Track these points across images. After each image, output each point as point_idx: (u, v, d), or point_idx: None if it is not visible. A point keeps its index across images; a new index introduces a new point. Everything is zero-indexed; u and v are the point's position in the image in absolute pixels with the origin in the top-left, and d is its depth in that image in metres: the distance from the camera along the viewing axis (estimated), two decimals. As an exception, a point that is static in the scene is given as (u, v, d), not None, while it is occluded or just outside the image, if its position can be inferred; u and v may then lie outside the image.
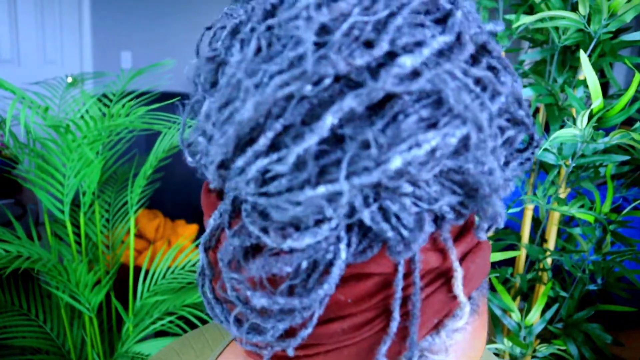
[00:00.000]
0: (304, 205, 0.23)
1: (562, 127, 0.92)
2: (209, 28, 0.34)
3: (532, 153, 0.32)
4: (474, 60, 0.27)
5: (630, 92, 0.74)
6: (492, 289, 0.95)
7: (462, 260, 0.30)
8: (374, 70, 0.23)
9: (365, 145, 0.23)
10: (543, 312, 0.97)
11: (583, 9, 0.80)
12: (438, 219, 0.28)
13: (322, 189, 0.23)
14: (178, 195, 2.34)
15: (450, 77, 0.24)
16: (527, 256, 1.04)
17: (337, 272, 0.26)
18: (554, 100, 0.92)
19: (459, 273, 0.29)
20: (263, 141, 0.23)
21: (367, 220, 0.25)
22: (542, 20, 0.83)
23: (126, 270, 1.47)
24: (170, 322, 1.32)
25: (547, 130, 1.04)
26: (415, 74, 0.23)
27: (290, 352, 0.29)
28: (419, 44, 0.24)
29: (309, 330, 0.28)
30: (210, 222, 0.31)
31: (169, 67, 1.38)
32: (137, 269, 1.60)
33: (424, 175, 0.24)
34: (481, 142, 0.25)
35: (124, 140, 1.46)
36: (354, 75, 0.23)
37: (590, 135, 0.78)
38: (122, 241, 1.54)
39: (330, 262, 0.26)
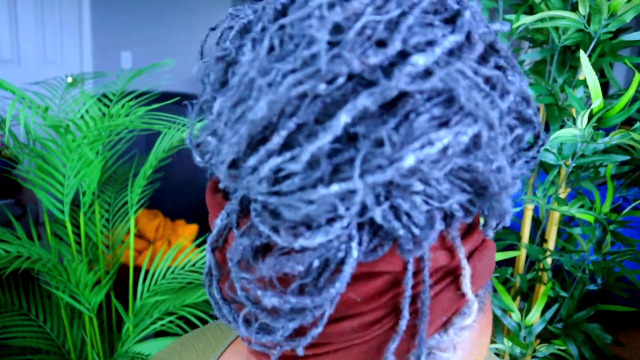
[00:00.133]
0: (317, 203, 0.23)
1: (562, 127, 0.92)
2: (213, 29, 0.34)
3: (538, 152, 0.32)
4: (483, 59, 0.27)
5: (630, 92, 0.74)
6: (492, 289, 0.95)
7: (469, 258, 0.30)
8: (387, 69, 0.23)
9: (379, 143, 0.23)
10: (543, 312, 0.97)
11: (583, 9, 0.80)
12: (447, 217, 0.28)
13: (335, 187, 0.23)
14: (178, 195, 2.34)
15: (461, 76, 0.24)
16: (527, 256, 1.04)
17: (348, 270, 0.26)
18: (554, 100, 0.92)
19: (467, 271, 0.30)
20: (276, 140, 0.23)
21: (379, 219, 0.25)
22: (542, 20, 0.83)
23: (126, 270, 1.47)
24: (170, 322, 1.32)
25: (547, 130, 1.04)
26: (427, 72, 0.24)
27: (300, 352, 0.29)
28: (431, 43, 0.24)
29: (320, 329, 0.28)
30: (217, 222, 0.30)
31: (169, 67, 1.38)
32: (137, 269, 1.60)
33: (435, 173, 0.24)
34: (492, 140, 0.26)
35: (124, 140, 1.46)
36: (367, 74, 0.23)
37: (590, 135, 0.78)
38: (122, 241, 1.54)
39: (342, 261, 0.26)
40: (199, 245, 1.91)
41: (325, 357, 0.30)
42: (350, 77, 0.23)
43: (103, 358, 1.43)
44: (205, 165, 0.32)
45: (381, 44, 0.24)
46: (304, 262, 0.25)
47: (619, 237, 0.90)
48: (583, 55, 0.76)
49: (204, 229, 2.29)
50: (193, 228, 2.16)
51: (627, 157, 0.80)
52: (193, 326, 1.31)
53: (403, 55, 0.24)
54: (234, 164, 0.26)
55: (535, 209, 1.08)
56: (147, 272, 1.45)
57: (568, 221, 1.06)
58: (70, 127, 1.13)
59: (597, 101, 0.76)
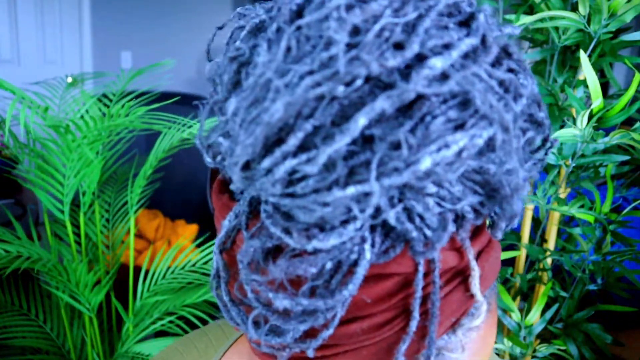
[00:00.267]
0: (332, 206, 0.23)
1: (562, 127, 0.92)
2: (220, 28, 0.34)
3: (545, 154, 0.32)
4: (496, 62, 0.27)
5: (630, 92, 0.74)
6: (492, 289, 0.95)
7: (477, 259, 0.30)
8: (404, 72, 0.23)
9: (395, 146, 0.23)
10: (543, 312, 0.97)
11: (583, 9, 0.80)
12: (458, 219, 0.28)
13: (351, 190, 0.23)
14: (178, 195, 2.34)
15: (477, 79, 0.25)
16: (527, 256, 1.04)
17: (361, 272, 0.26)
18: (554, 100, 0.92)
19: (476, 272, 0.30)
20: (293, 142, 0.23)
21: (392, 221, 0.25)
22: (542, 20, 0.83)
23: (126, 270, 1.47)
24: (170, 322, 1.32)
25: (547, 130, 1.04)
26: (444, 76, 0.24)
27: (311, 353, 0.29)
28: (447, 47, 0.24)
29: (331, 331, 0.28)
30: (225, 224, 0.30)
31: (169, 67, 1.38)
32: (137, 269, 1.60)
33: (449, 175, 0.24)
34: (506, 143, 0.26)
35: (124, 140, 1.46)
36: (384, 77, 0.23)
37: (590, 135, 0.78)
38: (122, 241, 1.54)
39: (355, 263, 0.26)
40: (199, 245, 1.91)
41: (334, 358, 0.30)
42: (368, 79, 0.23)
43: (103, 358, 1.43)
44: (217, 166, 0.32)
45: (398, 46, 0.24)
46: (317, 264, 0.25)
47: (619, 237, 0.90)
48: (583, 55, 0.76)
49: (204, 229, 2.29)
50: (193, 228, 2.16)
51: (627, 157, 0.80)
52: (193, 326, 1.31)
53: (420, 58, 0.24)
54: (247, 166, 0.26)
55: (535, 209, 1.08)
56: (147, 272, 1.45)
57: (568, 221, 1.06)
58: (70, 127, 1.13)
59: (597, 101, 0.76)
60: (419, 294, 0.28)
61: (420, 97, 0.24)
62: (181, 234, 2.10)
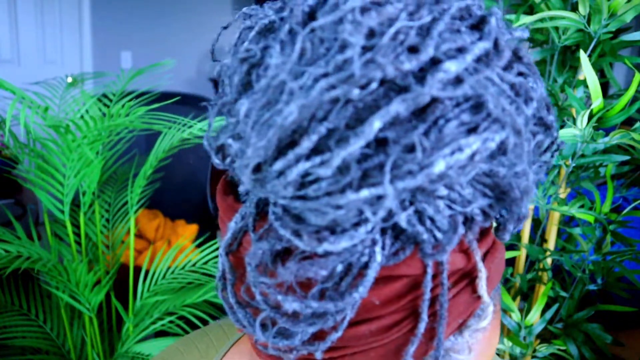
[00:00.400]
0: (345, 208, 0.23)
1: (562, 127, 0.92)
2: (225, 27, 0.34)
3: (552, 156, 0.32)
4: (507, 66, 0.28)
5: (630, 92, 0.74)
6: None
7: (483, 260, 0.30)
8: (418, 75, 0.23)
9: (409, 149, 0.23)
10: (543, 312, 0.97)
11: (583, 9, 0.80)
12: (467, 221, 0.28)
13: (365, 193, 0.23)
14: (178, 195, 2.34)
15: (490, 83, 0.25)
16: (527, 256, 1.04)
17: (372, 274, 0.26)
18: (554, 100, 0.92)
19: (483, 273, 0.30)
20: (306, 144, 0.23)
21: (403, 223, 0.25)
22: (542, 20, 0.83)
23: (126, 270, 1.47)
24: (171, 322, 1.32)
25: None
26: (458, 79, 0.24)
27: (319, 356, 0.29)
28: (461, 50, 0.24)
29: (339, 333, 0.28)
30: (232, 226, 0.30)
31: (169, 67, 1.38)
32: (137, 269, 1.60)
33: (462, 178, 0.24)
34: (517, 147, 0.26)
35: (124, 140, 1.46)
36: (399, 80, 0.23)
37: (590, 135, 0.78)
38: (122, 241, 1.54)
39: (365, 265, 0.26)
40: (199, 245, 1.91)
41: None
42: (382, 82, 0.23)
43: (103, 358, 1.43)
44: (225, 168, 0.32)
45: (413, 49, 0.23)
46: (328, 266, 0.25)
47: (619, 237, 0.90)
48: (583, 55, 0.76)
49: (204, 229, 2.29)
50: (193, 228, 2.16)
51: (627, 157, 0.80)
52: (193, 326, 1.31)
53: (434, 62, 0.24)
54: (257, 168, 0.25)
55: (535, 209, 1.08)
56: (147, 272, 1.45)
57: (568, 221, 1.06)
58: (70, 127, 1.13)
59: (597, 101, 0.76)
60: (427, 295, 0.28)
61: (434, 101, 0.24)
62: (181, 234, 2.10)
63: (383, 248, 0.26)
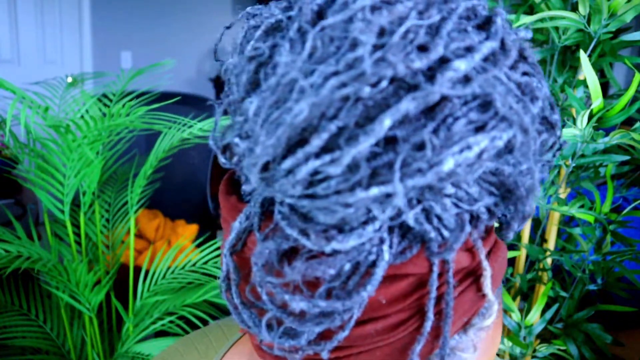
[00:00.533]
0: (354, 207, 0.23)
1: (562, 127, 0.92)
2: (228, 27, 0.34)
3: (554, 155, 0.32)
4: (513, 66, 0.28)
5: (630, 92, 0.74)
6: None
7: (487, 259, 0.31)
8: (428, 74, 0.23)
9: (418, 147, 0.23)
10: (543, 312, 0.97)
11: (583, 9, 0.80)
12: (473, 219, 0.29)
13: (374, 191, 0.23)
14: (178, 195, 2.34)
15: (497, 82, 0.25)
16: (527, 256, 1.04)
17: (380, 273, 0.26)
18: (554, 100, 0.92)
19: (488, 272, 0.30)
20: (316, 142, 0.23)
21: (411, 222, 0.25)
22: (542, 20, 0.83)
23: (126, 270, 1.47)
24: (171, 322, 1.32)
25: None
26: (467, 78, 0.24)
27: (325, 355, 0.29)
28: (469, 49, 0.24)
29: (346, 332, 0.28)
30: (236, 225, 0.30)
31: (169, 67, 1.38)
32: (137, 269, 1.60)
33: (469, 177, 0.25)
34: (524, 145, 0.26)
35: (124, 140, 1.46)
36: (408, 78, 0.23)
37: (590, 135, 0.78)
38: (122, 241, 1.54)
39: (373, 264, 0.26)
40: (199, 245, 1.91)
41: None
42: (392, 80, 0.23)
43: (103, 358, 1.43)
44: (232, 167, 0.32)
45: (422, 48, 0.24)
46: (336, 265, 0.25)
47: (619, 237, 0.90)
48: (583, 55, 0.76)
49: (204, 229, 2.29)
50: (193, 228, 2.15)
51: (627, 157, 0.80)
52: (193, 326, 1.31)
53: (442, 61, 0.24)
54: (266, 166, 0.25)
55: (536, 209, 1.09)
56: (147, 272, 1.45)
57: (568, 221, 1.06)
58: (71, 127, 1.14)
59: (597, 101, 0.76)
60: (433, 294, 0.28)
61: (443, 99, 0.24)
62: (181, 234, 2.10)
63: (390, 247, 0.26)
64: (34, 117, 1.19)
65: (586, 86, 0.89)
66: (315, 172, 0.24)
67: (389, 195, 0.23)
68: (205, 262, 1.44)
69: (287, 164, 0.24)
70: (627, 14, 0.79)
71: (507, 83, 0.26)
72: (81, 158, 1.20)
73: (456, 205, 0.27)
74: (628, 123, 0.90)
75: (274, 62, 0.27)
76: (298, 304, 0.26)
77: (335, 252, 0.25)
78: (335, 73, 0.23)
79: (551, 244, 1.02)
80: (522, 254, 1.03)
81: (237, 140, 0.28)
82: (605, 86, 3.18)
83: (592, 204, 0.90)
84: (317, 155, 0.23)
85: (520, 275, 1.02)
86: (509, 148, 0.26)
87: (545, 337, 1.01)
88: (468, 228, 0.27)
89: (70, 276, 1.21)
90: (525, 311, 0.96)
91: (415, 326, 0.29)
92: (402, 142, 0.23)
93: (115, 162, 1.55)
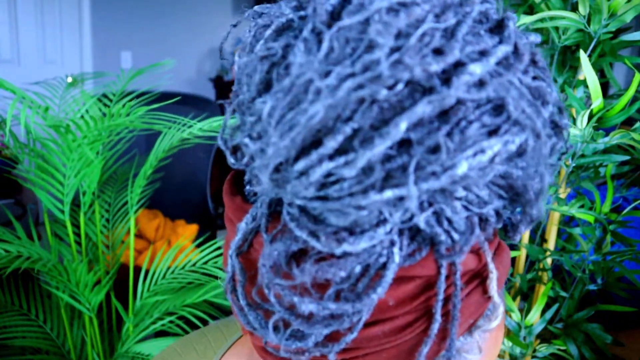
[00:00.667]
0: (367, 209, 0.23)
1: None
2: (235, 25, 0.34)
3: (559, 159, 0.32)
4: (525, 70, 0.28)
5: (630, 92, 0.74)
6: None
7: (492, 261, 0.31)
8: (443, 77, 0.23)
9: (433, 150, 0.23)
10: (543, 312, 0.97)
11: (583, 9, 0.80)
12: (481, 222, 0.29)
13: (388, 194, 0.23)
14: (178, 195, 2.34)
15: (511, 86, 0.25)
16: (527, 256, 1.04)
17: (390, 276, 0.26)
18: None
19: (494, 274, 0.30)
20: (331, 144, 0.23)
21: (422, 224, 0.25)
22: (542, 20, 0.83)
23: (126, 270, 1.47)
24: (171, 322, 1.32)
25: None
26: (481, 82, 0.24)
27: (332, 357, 0.29)
28: (483, 53, 0.24)
29: (354, 334, 0.28)
30: (242, 226, 0.30)
31: (169, 67, 1.38)
32: (137, 269, 1.60)
33: (481, 180, 0.25)
34: (535, 149, 0.26)
35: (124, 140, 1.46)
36: (424, 81, 0.23)
37: (590, 135, 0.78)
38: (122, 241, 1.54)
39: (383, 266, 0.26)
40: (199, 245, 1.91)
41: None
42: (407, 83, 0.23)
43: (103, 358, 1.43)
44: (241, 167, 0.31)
45: (438, 51, 0.24)
46: (346, 268, 0.25)
47: (619, 237, 0.90)
48: (583, 55, 0.76)
49: (204, 229, 2.29)
50: (193, 228, 2.15)
51: (627, 157, 0.80)
52: (193, 326, 1.31)
53: (457, 64, 0.24)
54: (277, 168, 0.25)
55: (535, 209, 1.08)
56: (147, 272, 1.45)
57: (568, 221, 1.06)
58: (71, 127, 1.13)
59: (597, 101, 0.76)
60: (441, 296, 0.28)
61: (457, 102, 0.24)
62: (181, 234, 2.10)
63: (400, 249, 0.26)
64: (34, 117, 1.19)
65: (586, 86, 0.89)
66: (329, 174, 0.23)
67: (402, 198, 0.23)
68: (205, 262, 1.44)
69: (301, 165, 0.24)
70: (627, 14, 0.79)
71: (520, 87, 0.26)
72: (81, 158, 1.20)
73: (466, 208, 0.27)
74: (628, 123, 0.90)
75: (287, 62, 0.26)
76: (307, 306, 0.26)
77: (345, 254, 0.25)
78: (352, 75, 0.23)
79: (551, 244, 1.02)
80: (522, 254, 1.03)
81: (247, 140, 0.27)
82: (605, 86, 3.18)
83: (592, 204, 0.90)
84: (331, 157, 0.23)
85: (520, 275, 1.02)
86: (520, 152, 0.26)
87: (545, 337, 1.01)
88: (478, 231, 0.27)
89: (70, 276, 1.21)
90: (525, 311, 0.96)
91: (422, 328, 0.29)
92: (417, 145, 0.23)
93: (115, 162, 1.55)
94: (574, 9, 0.84)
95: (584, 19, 0.81)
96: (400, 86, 0.23)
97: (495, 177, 0.27)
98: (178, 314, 1.30)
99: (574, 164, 0.84)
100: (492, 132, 0.24)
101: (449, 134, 0.23)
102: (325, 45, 0.24)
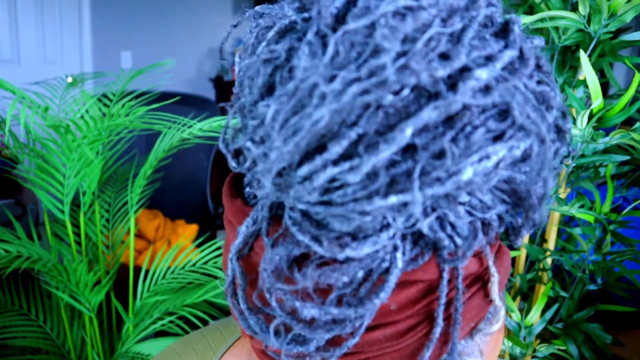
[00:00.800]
0: (371, 215, 0.23)
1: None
2: (235, 26, 0.34)
3: (561, 162, 0.32)
4: (530, 75, 0.28)
5: (630, 92, 0.74)
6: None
7: (494, 264, 0.31)
8: (449, 82, 0.23)
9: (438, 155, 0.23)
10: (543, 312, 0.97)
11: (583, 9, 0.80)
12: (484, 227, 0.29)
13: (393, 199, 0.23)
14: (178, 195, 2.34)
15: (516, 91, 0.25)
16: (527, 256, 1.04)
17: (393, 280, 0.26)
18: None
19: (496, 277, 0.30)
20: (336, 149, 0.23)
21: (425, 229, 0.25)
22: (542, 20, 0.83)
23: (126, 270, 1.47)
24: (170, 322, 1.32)
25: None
26: (487, 87, 0.24)
27: None
28: (489, 58, 0.24)
29: (356, 339, 0.28)
30: (242, 230, 0.30)
31: (169, 67, 1.38)
32: (137, 269, 1.60)
33: (485, 185, 0.24)
34: (540, 154, 0.26)
35: (124, 140, 1.46)
36: (429, 86, 0.23)
37: (590, 135, 0.78)
38: (122, 241, 1.54)
39: (386, 271, 0.26)
40: (199, 245, 1.91)
41: None
42: (413, 88, 0.23)
43: (103, 358, 1.43)
44: (242, 171, 0.31)
45: (443, 56, 0.23)
46: (349, 273, 0.25)
47: (619, 237, 0.90)
48: (583, 55, 0.76)
49: (204, 229, 2.29)
50: (193, 228, 2.15)
51: (627, 157, 0.80)
52: (193, 326, 1.31)
53: (463, 69, 0.24)
54: (280, 173, 0.25)
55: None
56: (147, 272, 1.45)
57: (568, 221, 1.06)
58: (70, 127, 1.13)
59: (597, 101, 0.76)
60: (443, 300, 0.28)
61: (463, 108, 0.24)
62: (181, 234, 2.10)
63: (403, 254, 0.26)
64: (34, 117, 1.19)
65: (586, 86, 0.89)
66: (333, 180, 0.23)
67: (406, 204, 0.23)
68: (205, 262, 1.44)
69: (304, 170, 0.23)
70: (627, 14, 0.79)
71: (525, 92, 0.25)
72: (81, 158, 1.20)
73: (469, 213, 0.27)
74: (628, 123, 0.90)
75: (291, 65, 0.26)
76: (309, 311, 0.26)
77: (348, 259, 0.25)
78: (357, 79, 0.23)
79: (551, 244, 1.02)
80: (522, 254, 1.03)
81: (249, 144, 0.27)
82: (605, 86, 3.18)
83: (592, 204, 0.90)
84: (336, 162, 0.23)
85: (520, 275, 1.02)
86: (524, 157, 0.26)
87: (545, 337, 1.01)
88: (481, 236, 0.27)
89: (70, 276, 1.21)
90: (525, 311, 0.96)
91: (424, 332, 0.29)
92: (422, 150, 0.23)
93: (115, 162, 1.55)
94: (574, 9, 0.84)
95: (584, 19, 0.81)
96: (406, 91, 0.23)
97: (498, 182, 0.27)
98: (178, 314, 1.30)
99: (574, 164, 0.84)
100: (497, 138, 0.24)
101: (454, 140, 0.23)
102: (330, 49, 0.24)
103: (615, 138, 0.77)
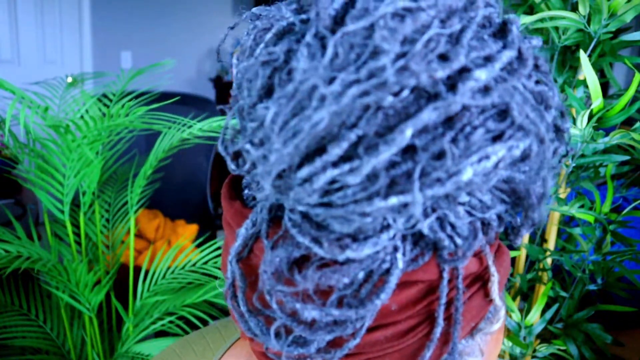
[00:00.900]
0: (371, 216, 0.23)
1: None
2: (232, 27, 0.34)
3: (559, 162, 0.32)
4: (528, 74, 0.28)
5: (630, 92, 0.74)
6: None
7: (493, 264, 0.31)
8: (448, 83, 0.23)
9: (437, 156, 0.23)
10: (543, 312, 0.97)
11: (583, 9, 0.80)
12: (484, 227, 0.29)
13: (393, 200, 0.23)
14: (178, 195, 2.34)
15: (515, 91, 0.25)
16: (527, 256, 1.04)
17: (394, 281, 0.26)
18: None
19: (496, 277, 0.30)
20: (336, 151, 0.23)
21: (426, 230, 0.25)
22: (542, 20, 0.83)
23: (126, 270, 1.47)
24: (170, 322, 1.32)
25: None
26: (487, 88, 0.24)
27: None
28: (488, 59, 0.24)
29: (357, 340, 0.28)
30: (242, 232, 0.30)
31: (169, 67, 1.38)
32: (137, 269, 1.60)
33: (485, 186, 0.24)
34: (539, 154, 0.26)
35: (124, 140, 1.46)
36: (429, 87, 0.23)
37: (590, 135, 0.78)
38: (122, 241, 1.54)
39: (387, 272, 0.26)
40: (199, 245, 1.91)
41: None
42: (413, 89, 0.23)
43: (103, 358, 1.43)
44: (241, 173, 0.31)
45: (443, 57, 0.23)
46: (350, 274, 0.25)
47: (619, 237, 0.90)
48: (583, 55, 0.76)
49: (204, 229, 2.29)
50: (193, 228, 2.15)
51: (627, 157, 0.80)
52: (193, 326, 1.31)
53: (462, 70, 0.24)
54: (280, 175, 0.25)
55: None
56: (147, 272, 1.45)
57: (568, 221, 1.06)
58: (70, 127, 1.13)
59: (597, 101, 0.76)
60: (443, 300, 0.28)
61: (462, 108, 0.24)
62: (181, 234, 2.10)
63: (403, 254, 0.26)
64: (34, 117, 1.19)
65: (586, 86, 0.89)
66: (333, 181, 0.23)
67: (406, 205, 0.23)
68: (205, 262, 1.44)
69: (304, 172, 0.23)
70: (627, 14, 0.79)
71: (524, 92, 0.25)
72: (81, 158, 1.20)
73: (469, 213, 0.27)
74: (628, 123, 0.89)
75: (290, 67, 0.26)
76: (310, 313, 0.26)
77: (348, 261, 0.25)
78: (357, 81, 0.23)
79: (551, 244, 1.02)
80: (522, 254, 1.03)
81: (248, 147, 0.27)
82: (605, 86, 3.18)
83: (592, 204, 0.90)
84: (336, 164, 0.23)
85: (520, 275, 1.02)
86: (524, 157, 0.26)
87: (545, 337, 1.01)
88: (481, 236, 0.27)
89: (70, 276, 1.21)
90: (525, 311, 0.96)
91: (424, 332, 0.29)
92: (421, 151, 0.23)
93: (115, 162, 1.55)
94: (574, 9, 0.84)
95: (584, 19, 0.81)
96: (405, 92, 0.23)
97: (498, 182, 0.27)
98: (178, 314, 1.30)
99: (574, 164, 0.84)
100: (497, 138, 0.24)
101: (454, 140, 0.23)
102: (329, 51, 0.24)
103: (615, 138, 0.77)
